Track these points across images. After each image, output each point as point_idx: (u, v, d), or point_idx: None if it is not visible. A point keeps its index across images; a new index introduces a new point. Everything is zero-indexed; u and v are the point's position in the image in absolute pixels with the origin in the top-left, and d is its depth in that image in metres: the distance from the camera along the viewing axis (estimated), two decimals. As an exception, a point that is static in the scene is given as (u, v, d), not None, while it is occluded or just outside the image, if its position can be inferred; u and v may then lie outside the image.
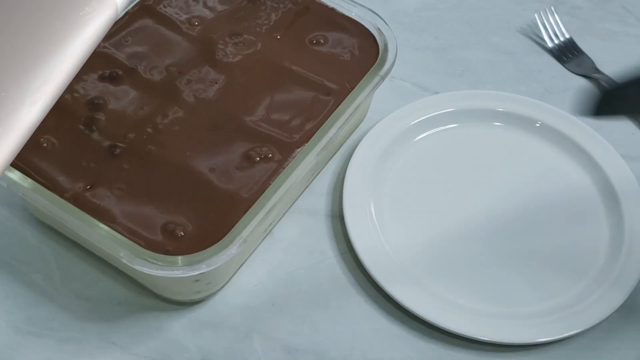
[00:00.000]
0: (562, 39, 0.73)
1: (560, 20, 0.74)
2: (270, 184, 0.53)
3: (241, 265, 0.58)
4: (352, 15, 0.64)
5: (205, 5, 0.65)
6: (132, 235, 0.51)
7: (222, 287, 0.57)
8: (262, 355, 0.54)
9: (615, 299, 0.55)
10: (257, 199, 0.52)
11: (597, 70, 0.71)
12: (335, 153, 0.65)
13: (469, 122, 0.66)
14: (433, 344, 0.55)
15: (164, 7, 0.63)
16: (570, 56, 0.72)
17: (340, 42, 0.62)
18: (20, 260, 0.58)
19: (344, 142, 0.65)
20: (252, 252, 0.58)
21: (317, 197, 0.62)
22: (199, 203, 0.53)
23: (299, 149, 0.56)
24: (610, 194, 0.62)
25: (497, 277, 0.58)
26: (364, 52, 0.62)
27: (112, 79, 0.59)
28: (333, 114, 0.57)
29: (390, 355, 0.55)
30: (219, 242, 0.50)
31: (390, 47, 0.61)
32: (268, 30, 0.63)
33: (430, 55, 0.72)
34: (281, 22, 0.64)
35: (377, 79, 0.59)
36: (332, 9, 0.64)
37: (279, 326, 0.55)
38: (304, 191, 0.62)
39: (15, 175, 0.52)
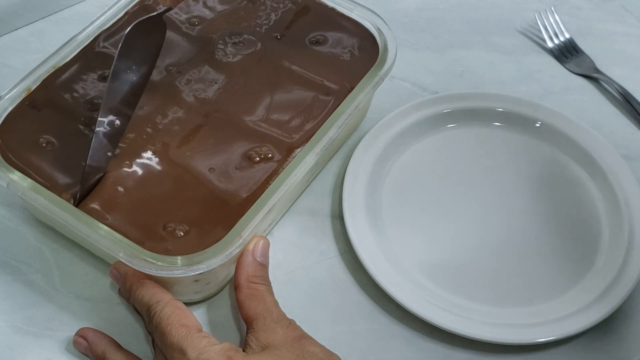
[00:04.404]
0: (562, 39, 0.73)
1: (560, 20, 0.74)
2: (270, 184, 0.53)
3: (241, 265, 0.58)
4: (352, 15, 0.64)
5: (205, 5, 0.65)
6: (131, 235, 0.51)
7: (222, 287, 0.57)
8: (262, 356, 0.54)
9: (615, 299, 0.55)
10: (257, 199, 0.52)
11: (597, 70, 0.71)
12: (335, 153, 0.65)
13: (468, 122, 0.66)
14: (433, 344, 0.55)
15: (164, 6, 0.63)
16: (570, 56, 0.72)
17: (340, 42, 0.62)
18: (19, 260, 0.58)
19: (344, 142, 0.65)
20: (252, 252, 0.58)
21: (317, 197, 0.62)
22: (198, 203, 0.53)
23: (299, 149, 0.56)
24: (610, 194, 0.61)
25: (497, 277, 0.58)
26: (364, 52, 0.62)
27: (112, 79, 0.59)
28: (333, 114, 0.57)
29: (390, 355, 0.55)
30: (219, 242, 0.50)
31: (390, 47, 0.61)
32: (268, 30, 0.63)
33: (430, 55, 0.72)
34: (281, 22, 0.64)
35: (377, 79, 0.59)
36: (332, 9, 0.64)
37: (279, 326, 0.55)
38: (304, 191, 0.62)
39: (15, 175, 0.52)
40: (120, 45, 0.55)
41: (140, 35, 0.55)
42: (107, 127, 0.55)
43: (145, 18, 0.56)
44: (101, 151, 0.54)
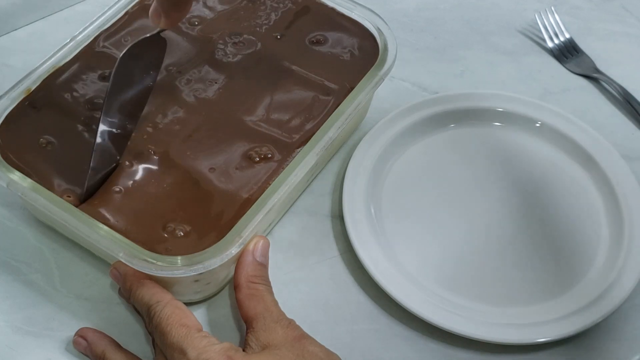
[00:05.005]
0: (562, 39, 0.73)
1: (560, 20, 0.74)
2: (270, 184, 0.53)
3: (241, 265, 0.58)
4: (352, 15, 0.64)
5: (205, 5, 0.65)
6: (131, 235, 0.51)
7: (222, 287, 0.57)
8: (262, 355, 0.54)
9: (615, 299, 0.55)
10: (257, 199, 0.52)
11: (597, 70, 0.71)
12: (335, 153, 0.65)
13: (468, 122, 0.66)
14: (433, 344, 0.55)
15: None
16: (570, 56, 0.72)
17: (340, 42, 0.62)
18: (19, 260, 0.58)
19: (344, 142, 0.65)
20: (252, 252, 0.58)
21: (317, 197, 0.62)
22: (198, 203, 0.53)
23: (299, 149, 0.56)
24: (610, 194, 0.61)
25: (497, 276, 0.58)
26: (364, 52, 0.62)
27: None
28: (333, 114, 0.57)
29: (390, 355, 0.55)
30: (219, 242, 0.50)
31: (390, 47, 0.61)
32: (268, 30, 0.63)
33: (430, 55, 0.72)
34: (281, 22, 0.64)
35: (377, 79, 0.59)
36: (332, 9, 0.64)
37: (279, 326, 0.55)
38: (304, 191, 0.62)
39: (15, 175, 0.52)
40: (115, 66, 0.53)
41: (138, 53, 0.54)
42: (111, 130, 0.54)
43: (141, 40, 0.55)
44: (105, 154, 0.54)
